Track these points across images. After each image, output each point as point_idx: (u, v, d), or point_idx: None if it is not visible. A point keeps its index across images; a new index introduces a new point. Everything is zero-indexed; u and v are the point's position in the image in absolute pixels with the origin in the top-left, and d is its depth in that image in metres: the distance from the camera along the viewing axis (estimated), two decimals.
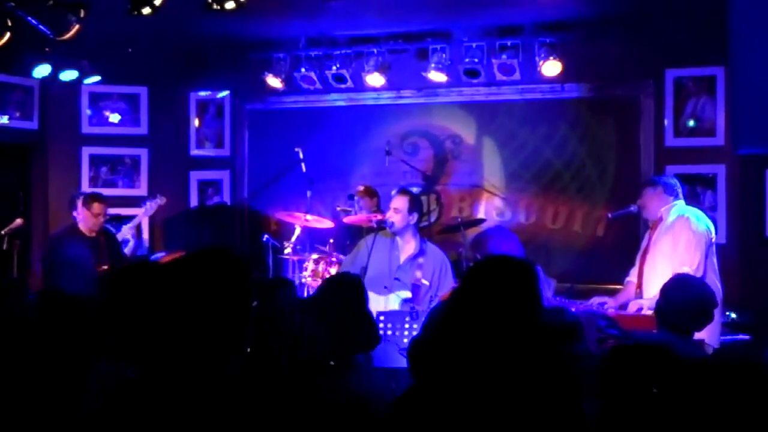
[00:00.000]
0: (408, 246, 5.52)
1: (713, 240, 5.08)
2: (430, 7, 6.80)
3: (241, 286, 2.14)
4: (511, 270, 2.28)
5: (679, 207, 5.15)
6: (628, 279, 5.36)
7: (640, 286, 5.14)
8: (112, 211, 7.28)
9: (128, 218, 7.24)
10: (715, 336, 4.70)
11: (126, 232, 6.83)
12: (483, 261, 2.42)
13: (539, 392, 2.13)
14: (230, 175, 8.35)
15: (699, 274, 4.80)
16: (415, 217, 5.51)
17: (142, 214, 7.08)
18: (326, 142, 7.87)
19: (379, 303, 5.27)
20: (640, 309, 4.91)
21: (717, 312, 4.74)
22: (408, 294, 5.35)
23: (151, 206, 7.08)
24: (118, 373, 2.38)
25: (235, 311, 2.12)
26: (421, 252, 5.49)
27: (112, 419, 2.01)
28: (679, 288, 3.71)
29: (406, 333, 4.77)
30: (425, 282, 5.37)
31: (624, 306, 5.11)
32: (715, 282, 4.94)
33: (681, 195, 5.23)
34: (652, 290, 4.94)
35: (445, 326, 2.27)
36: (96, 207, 6.39)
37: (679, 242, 4.95)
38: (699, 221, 5.03)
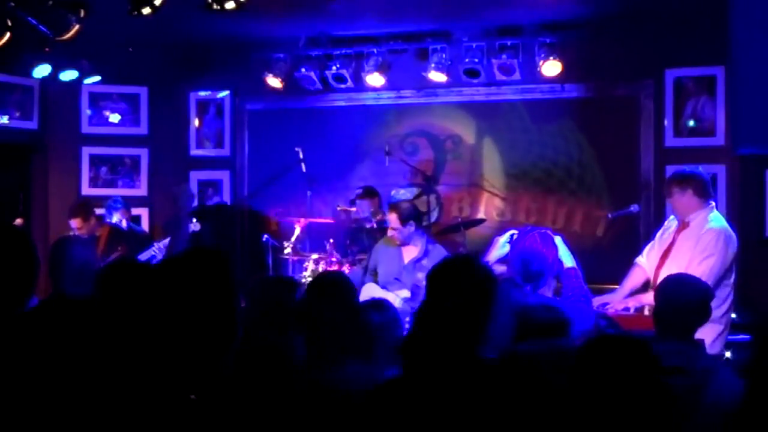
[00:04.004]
0: (412, 248, 5.58)
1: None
2: (430, 7, 6.79)
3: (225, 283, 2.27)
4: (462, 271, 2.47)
5: (716, 216, 4.71)
6: (636, 260, 5.04)
7: (655, 280, 4.74)
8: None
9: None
10: (720, 343, 4.62)
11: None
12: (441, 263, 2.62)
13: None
14: (230, 175, 8.35)
15: None
16: (412, 225, 5.59)
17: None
18: (326, 142, 7.87)
19: None
20: (606, 304, 4.76)
21: (723, 320, 4.71)
22: (407, 294, 5.38)
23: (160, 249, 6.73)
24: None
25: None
26: (425, 254, 5.55)
27: None
28: (675, 288, 3.68)
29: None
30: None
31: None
32: (722, 292, 4.65)
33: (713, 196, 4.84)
34: None
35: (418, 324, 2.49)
36: (74, 222, 6.46)
37: (705, 260, 4.53)
38: (733, 243, 4.63)
